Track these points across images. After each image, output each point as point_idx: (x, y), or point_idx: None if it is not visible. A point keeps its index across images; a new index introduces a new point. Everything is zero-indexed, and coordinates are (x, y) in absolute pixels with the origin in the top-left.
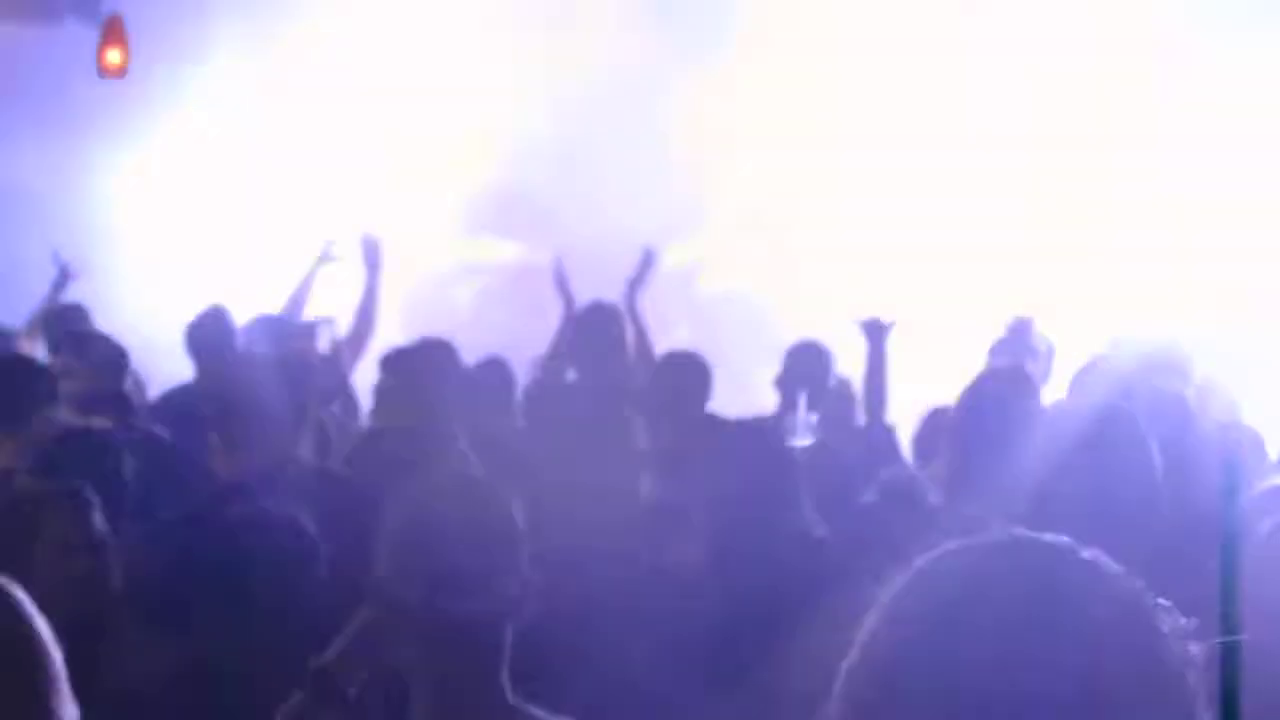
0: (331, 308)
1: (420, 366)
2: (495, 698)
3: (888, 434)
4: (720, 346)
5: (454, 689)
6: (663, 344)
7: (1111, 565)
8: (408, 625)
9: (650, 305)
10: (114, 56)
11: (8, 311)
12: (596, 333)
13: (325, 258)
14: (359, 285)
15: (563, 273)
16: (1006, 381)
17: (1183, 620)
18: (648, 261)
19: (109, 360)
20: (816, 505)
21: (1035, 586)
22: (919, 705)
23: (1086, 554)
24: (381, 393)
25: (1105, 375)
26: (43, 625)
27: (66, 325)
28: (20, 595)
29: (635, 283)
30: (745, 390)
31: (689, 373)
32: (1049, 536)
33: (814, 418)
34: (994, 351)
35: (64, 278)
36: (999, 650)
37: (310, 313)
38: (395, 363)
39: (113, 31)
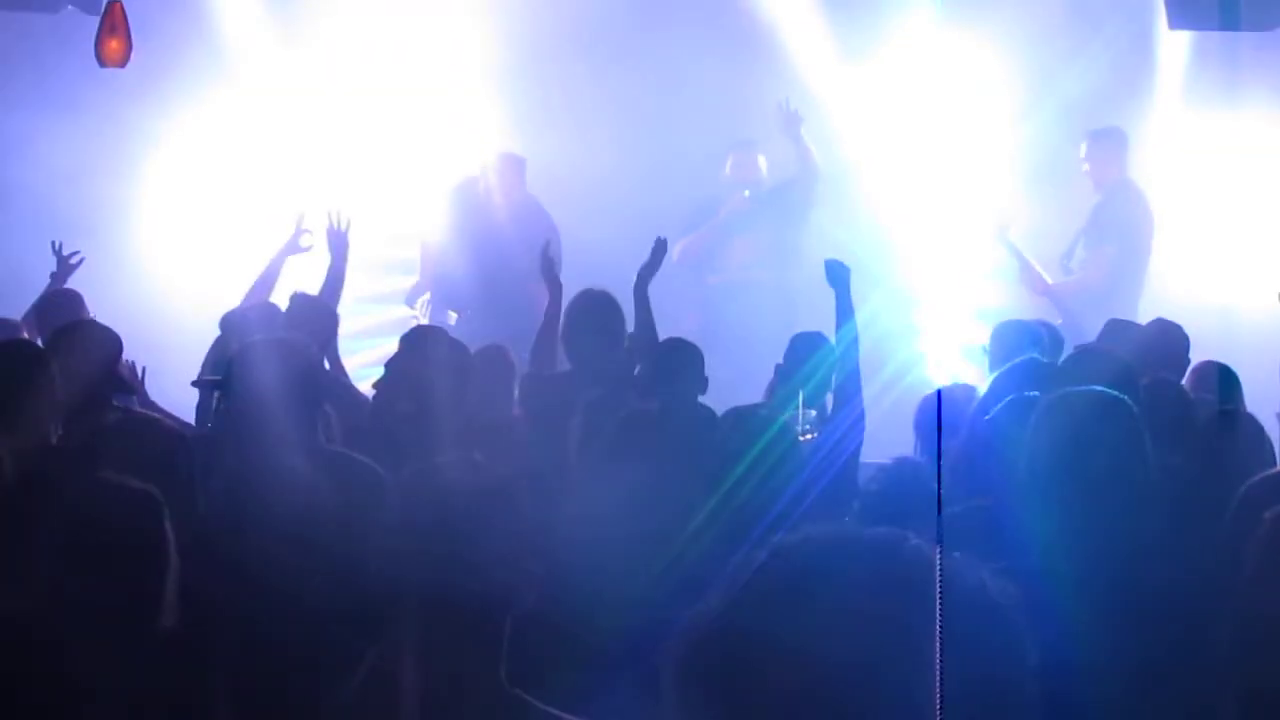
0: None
1: (420, 353)
2: (493, 685)
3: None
4: (726, 334)
5: (452, 676)
6: (671, 332)
7: (930, 551)
8: (406, 610)
9: (659, 294)
10: (114, 45)
11: (8, 311)
12: (589, 320)
13: (293, 246)
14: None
15: (549, 258)
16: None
17: (1011, 589)
18: (659, 251)
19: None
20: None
21: (865, 578)
22: (757, 685)
23: (914, 542)
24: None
25: (1101, 364)
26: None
27: (61, 314)
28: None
29: (646, 271)
30: (751, 378)
31: (680, 359)
32: (882, 530)
33: (813, 413)
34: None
35: (64, 268)
36: (830, 636)
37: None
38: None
39: (112, 20)
